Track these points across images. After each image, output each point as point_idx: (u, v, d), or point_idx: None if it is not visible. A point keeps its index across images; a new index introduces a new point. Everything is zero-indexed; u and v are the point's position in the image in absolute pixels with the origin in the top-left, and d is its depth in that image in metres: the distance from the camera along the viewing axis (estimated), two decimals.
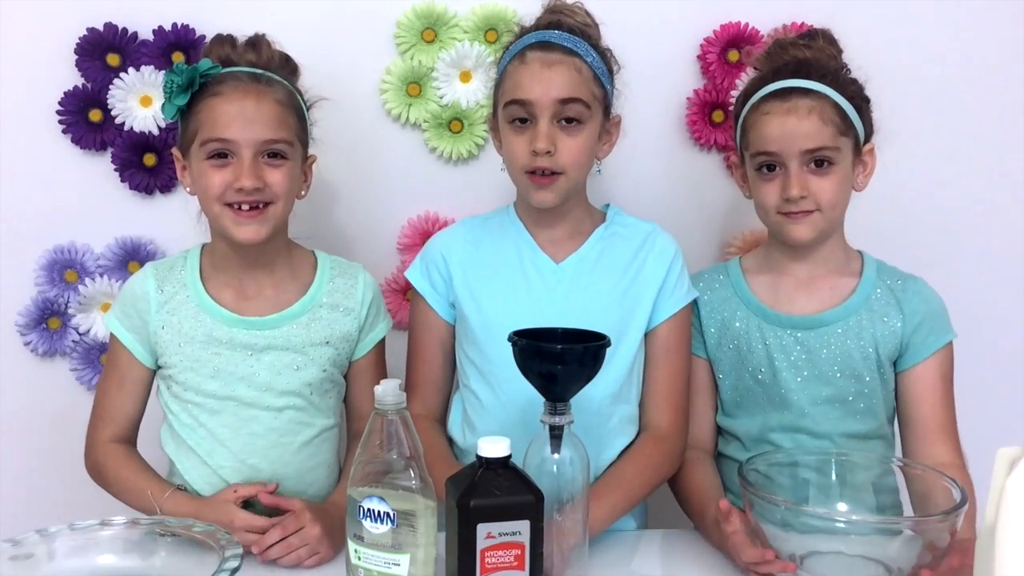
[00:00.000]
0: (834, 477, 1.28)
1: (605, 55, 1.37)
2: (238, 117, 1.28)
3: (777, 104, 1.34)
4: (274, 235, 1.33)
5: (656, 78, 1.63)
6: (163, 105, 1.32)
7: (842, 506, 1.26)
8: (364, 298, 1.41)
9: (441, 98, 1.67)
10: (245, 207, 1.29)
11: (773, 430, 1.40)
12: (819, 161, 1.33)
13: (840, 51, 1.40)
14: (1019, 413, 1.73)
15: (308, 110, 1.40)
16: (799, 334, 1.39)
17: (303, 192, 1.39)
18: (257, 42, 1.35)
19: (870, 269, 1.41)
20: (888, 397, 1.40)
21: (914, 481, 1.24)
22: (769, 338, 1.40)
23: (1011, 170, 1.74)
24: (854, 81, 1.38)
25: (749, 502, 1.14)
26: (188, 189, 1.35)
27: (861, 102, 1.36)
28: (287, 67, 1.37)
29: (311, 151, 1.41)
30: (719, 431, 1.47)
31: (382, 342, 1.45)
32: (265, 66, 1.33)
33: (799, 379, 1.38)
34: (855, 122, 1.34)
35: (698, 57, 1.68)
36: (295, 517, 1.23)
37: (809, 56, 1.36)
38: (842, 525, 1.12)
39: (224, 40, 1.35)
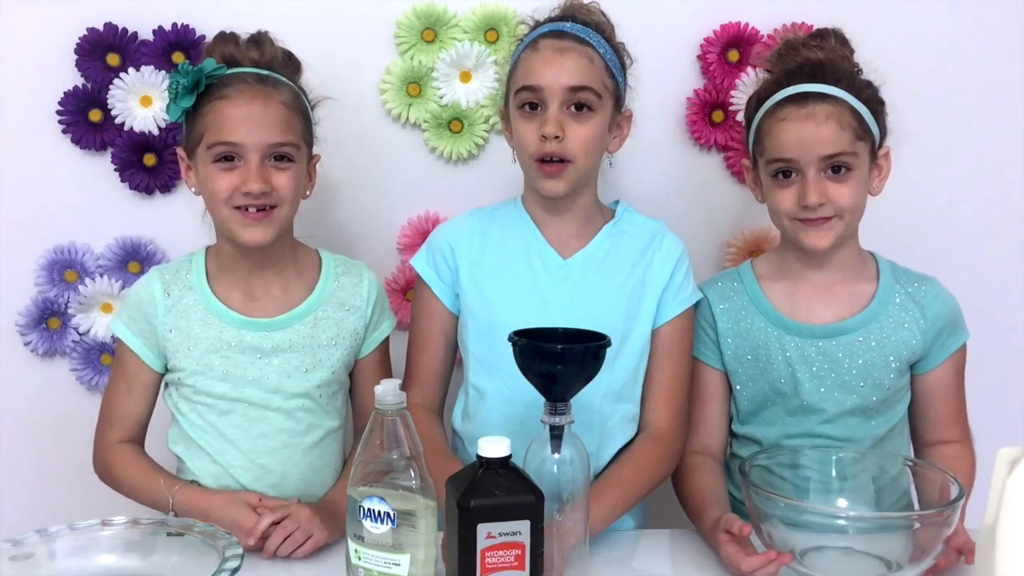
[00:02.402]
0: (835, 474, 1.28)
1: (618, 49, 1.38)
2: (245, 121, 1.27)
3: (794, 110, 1.31)
4: (280, 236, 1.33)
5: (656, 78, 1.63)
6: (168, 106, 1.31)
7: (842, 502, 1.26)
8: (369, 296, 1.41)
9: (441, 98, 1.67)
10: (252, 209, 1.29)
11: (792, 436, 1.39)
12: (836, 167, 1.31)
13: (852, 51, 1.38)
14: (1019, 413, 1.73)
15: (312, 109, 1.40)
16: (820, 343, 1.37)
17: (308, 192, 1.39)
18: (260, 40, 1.35)
19: (886, 273, 1.40)
20: (904, 396, 1.40)
21: (916, 478, 1.25)
22: (789, 349, 1.38)
23: (1017, 171, 1.74)
24: (869, 84, 1.36)
25: (750, 499, 1.14)
26: (193, 189, 1.35)
27: (876, 105, 1.35)
28: (290, 65, 1.37)
29: (315, 150, 1.41)
30: (735, 435, 1.47)
31: (387, 340, 1.46)
32: (268, 64, 1.33)
33: (822, 389, 1.37)
34: (871, 126, 1.33)
35: (698, 57, 1.68)
36: (285, 510, 1.25)
37: (822, 57, 1.34)
38: (842, 521, 1.13)
39: (227, 38, 1.35)
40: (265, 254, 1.34)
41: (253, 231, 1.29)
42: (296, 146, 1.32)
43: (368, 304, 1.41)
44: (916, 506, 1.29)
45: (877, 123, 1.35)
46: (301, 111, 1.34)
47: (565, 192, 1.35)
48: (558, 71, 1.31)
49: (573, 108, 1.32)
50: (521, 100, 1.34)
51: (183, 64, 1.29)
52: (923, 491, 1.25)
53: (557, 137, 1.30)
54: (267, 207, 1.29)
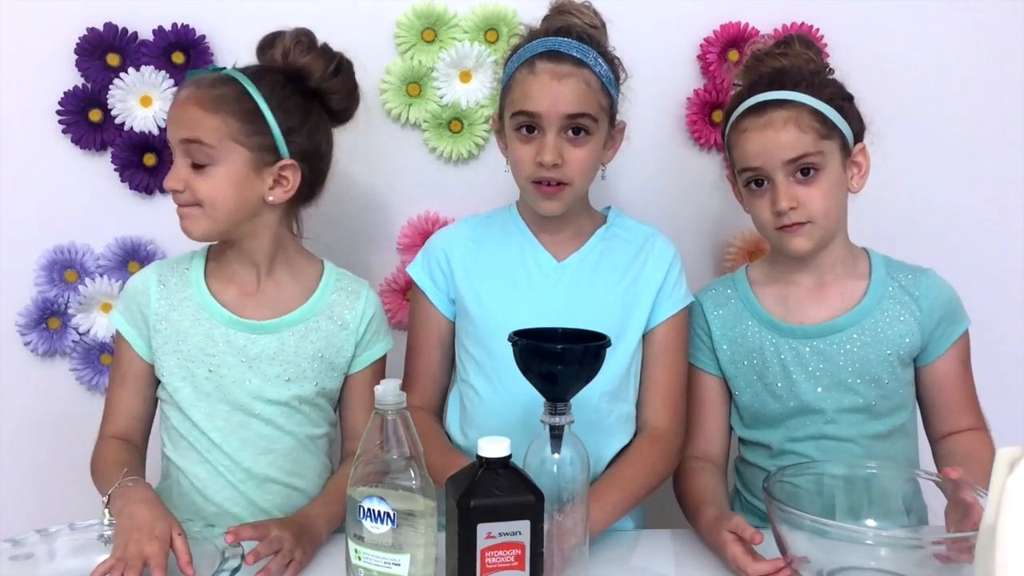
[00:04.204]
0: (863, 489, 1.25)
1: (613, 63, 1.38)
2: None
3: (753, 119, 1.33)
4: (220, 235, 1.33)
5: (656, 78, 1.63)
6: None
7: (871, 521, 1.23)
8: (364, 314, 1.39)
9: (441, 98, 1.67)
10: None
11: (797, 440, 1.39)
12: (804, 169, 1.31)
13: (818, 52, 1.39)
14: (1019, 413, 1.73)
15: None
16: (814, 343, 1.37)
17: (271, 198, 1.32)
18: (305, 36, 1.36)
19: (879, 268, 1.40)
20: (908, 392, 1.40)
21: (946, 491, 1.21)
22: (784, 351, 1.39)
23: (1011, 168, 1.74)
24: (832, 82, 1.36)
25: (775, 517, 1.10)
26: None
27: (842, 102, 1.34)
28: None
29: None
30: (742, 441, 1.47)
31: (381, 362, 1.43)
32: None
33: (819, 389, 1.37)
34: (838, 124, 1.32)
35: (698, 57, 1.68)
36: (265, 540, 1.17)
37: (786, 64, 1.35)
38: (870, 541, 1.07)
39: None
40: (253, 252, 1.35)
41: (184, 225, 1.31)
42: (212, 147, 1.27)
43: (361, 322, 1.39)
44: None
45: (847, 120, 1.34)
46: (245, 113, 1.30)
47: (561, 212, 1.37)
48: (556, 98, 1.31)
49: (570, 132, 1.33)
50: (518, 123, 1.34)
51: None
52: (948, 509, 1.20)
53: (556, 165, 1.31)
54: (189, 204, 1.30)
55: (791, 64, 1.35)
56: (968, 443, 1.37)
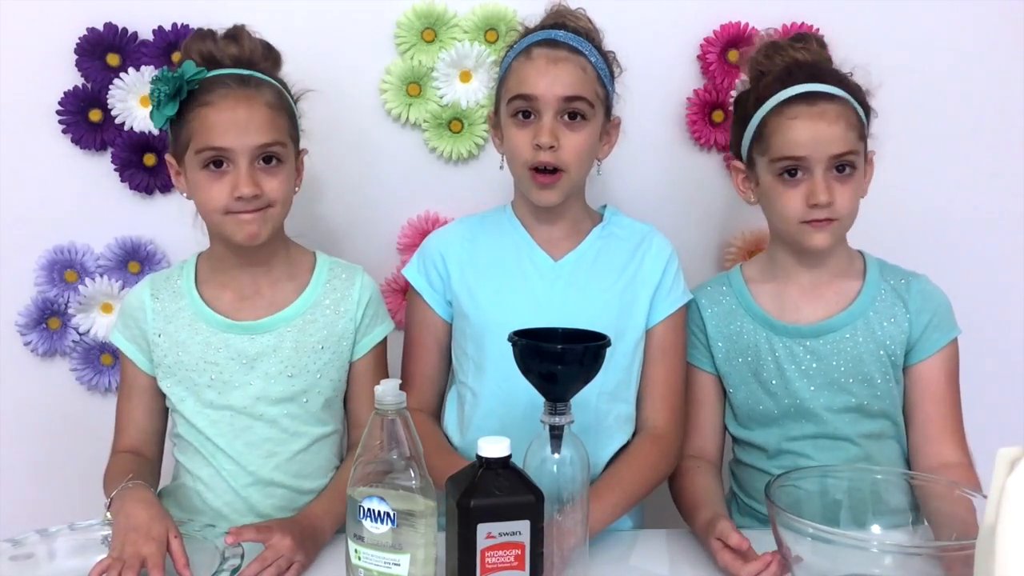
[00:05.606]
0: (866, 490, 1.23)
1: (607, 57, 1.39)
2: (231, 126, 1.26)
3: (805, 108, 1.31)
4: (273, 234, 1.33)
5: (656, 78, 1.63)
6: (151, 113, 1.30)
7: (876, 527, 1.21)
8: (360, 299, 1.39)
9: (441, 98, 1.67)
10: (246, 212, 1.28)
11: (794, 439, 1.39)
12: (841, 167, 1.31)
13: (829, 55, 1.40)
14: (1019, 413, 1.73)
15: (296, 103, 1.38)
16: (808, 342, 1.38)
17: (297, 188, 1.37)
18: (237, 34, 1.33)
19: (872, 270, 1.41)
20: (900, 393, 1.39)
21: (937, 498, 1.21)
22: (778, 349, 1.39)
23: (1009, 171, 1.74)
24: (860, 87, 1.37)
25: (776, 524, 1.09)
26: (184, 194, 1.34)
27: (868, 109, 1.36)
28: (270, 58, 1.35)
29: (310, 145, 1.41)
30: (736, 440, 1.47)
31: (382, 345, 1.43)
32: (248, 59, 1.31)
33: (812, 388, 1.37)
34: (866, 129, 1.35)
35: (698, 57, 1.68)
36: (259, 558, 1.17)
37: (810, 59, 1.35)
38: (875, 549, 1.05)
39: (205, 35, 1.33)
40: (255, 252, 1.34)
41: (248, 228, 1.28)
42: (283, 144, 1.30)
43: (359, 307, 1.39)
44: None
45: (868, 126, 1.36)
46: (285, 108, 1.33)
47: (558, 202, 1.37)
48: (552, 81, 1.31)
49: (566, 117, 1.33)
50: (515, 108, 1.35)
51: (163, 70, 1.26)
52: (944, 512, 1.19)
53: (552, 147, 1.31)
54: (260, 208, 1.29)
55: (814, 59, 1.35)
56: (957, 496, 1.20)
